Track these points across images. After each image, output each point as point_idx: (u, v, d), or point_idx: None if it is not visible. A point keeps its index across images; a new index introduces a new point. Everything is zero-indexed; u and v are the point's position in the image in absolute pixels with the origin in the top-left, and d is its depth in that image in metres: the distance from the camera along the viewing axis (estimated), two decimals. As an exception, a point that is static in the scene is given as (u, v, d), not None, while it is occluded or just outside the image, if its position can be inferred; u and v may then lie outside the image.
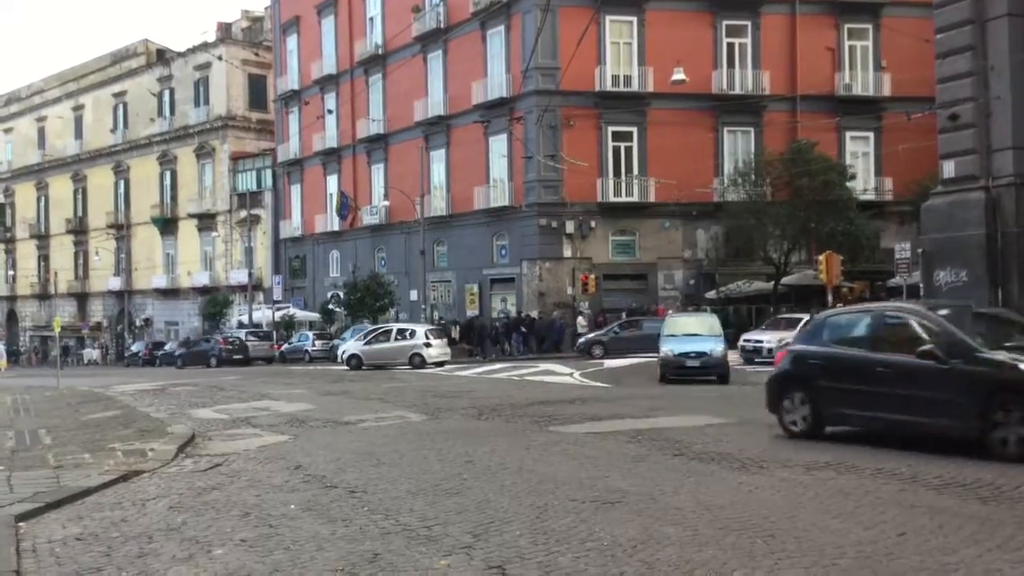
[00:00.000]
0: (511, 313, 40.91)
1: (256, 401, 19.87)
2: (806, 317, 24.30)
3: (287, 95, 56.27)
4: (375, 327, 38.26)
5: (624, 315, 37.71)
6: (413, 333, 34.23)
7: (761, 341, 27.79)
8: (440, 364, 33.05)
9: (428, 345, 33.22)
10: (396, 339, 34.13)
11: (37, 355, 69.81)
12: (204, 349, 46.06)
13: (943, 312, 11.40)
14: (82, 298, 71.52)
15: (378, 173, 49.94)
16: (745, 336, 29.49)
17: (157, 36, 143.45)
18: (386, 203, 47.69)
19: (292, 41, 56.44)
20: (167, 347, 52.82)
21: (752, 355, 27.77)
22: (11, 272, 77.56)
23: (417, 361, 32.84)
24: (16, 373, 23.73)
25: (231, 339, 45.84)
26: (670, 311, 33.05)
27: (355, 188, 51.02)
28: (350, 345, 35.77)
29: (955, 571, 5.71)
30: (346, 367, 33.94)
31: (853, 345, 11.84)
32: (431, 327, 36.59)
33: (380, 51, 48.59)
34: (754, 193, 37.72)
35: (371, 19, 49.82)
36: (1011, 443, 9.58)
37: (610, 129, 40.42)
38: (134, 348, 59.15)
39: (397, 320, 45.80)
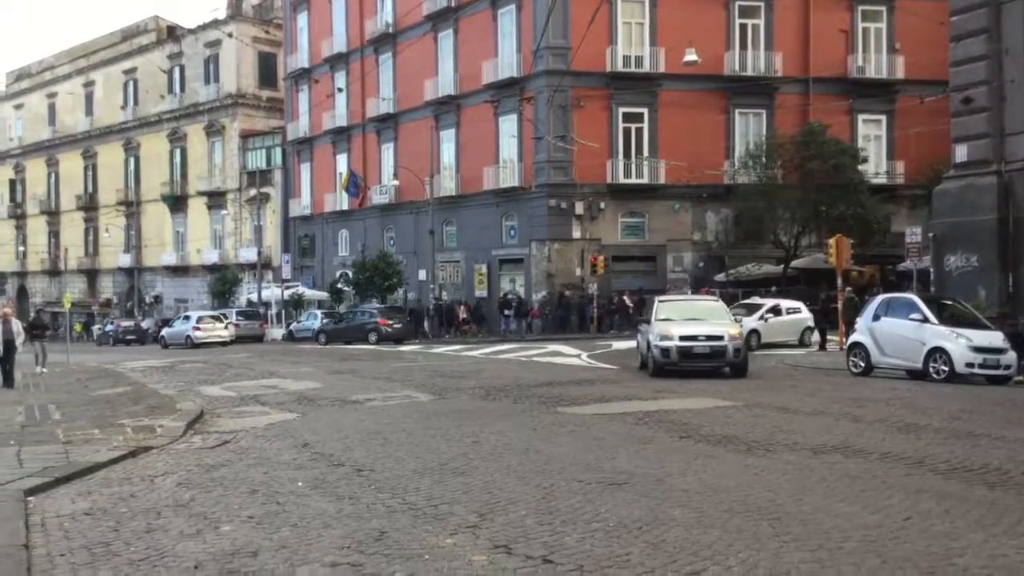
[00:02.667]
0: (520, 294, 40.95)
1: (264, 379, 19.97)
2: None
3: (297, 73, 56.16)
4: (183, 315, 47.43)
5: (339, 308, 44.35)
6: (189, 318, 43.37)
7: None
8: (224, 343, 40.16)
9: (197, 329, 41.12)
10: (181, 323, 43.63)
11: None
12: (108, 331, 54.36)
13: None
14: (92, 274, 71.77)
15: (388, 152, 49.86)
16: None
17: (167, 13, 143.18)
18: (395, 182, 47.62)
19: (303, 19, 56.26)
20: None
21: None
22: (22, 248, 77.81)
23: (188, 343, 40.70)
24: (26, 348, 24.11)
25: (131, 321, 56.13)
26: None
27: (364, 167, 50.99)
28: (165, 329, 45.51)
29: (961, 556, 5.70)
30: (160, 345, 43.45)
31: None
32: (207, 314, 44.76)
33: (391, 30, 48.40)
34: (765, 176, 37.56)
35: (382, -3, 49.61)
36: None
37: (621, 110, 40.24)
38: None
39: (406, 300, 45.97)
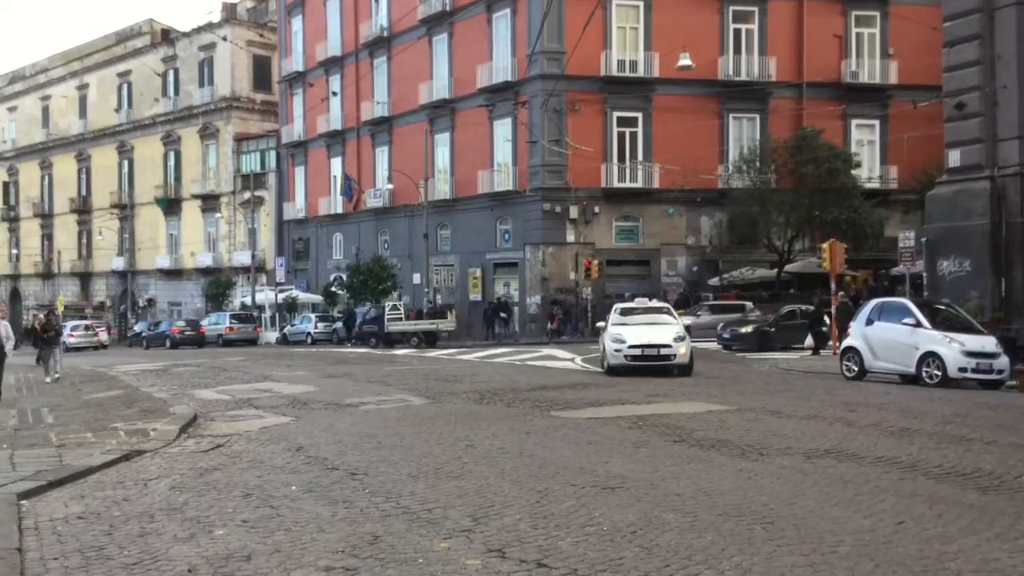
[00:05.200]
0: (513, 298, 40.96)
1: (258, 383, 19.93)
2: None
3: (292, 76, 56.14)
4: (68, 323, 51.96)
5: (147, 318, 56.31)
6: (65, 327, 47.18)
7: None
8: (100, 347, 48.67)
9: (71, 336, 47.19)
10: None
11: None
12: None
13: None
14: (85, 278, 71.61)
15: (382, 156, 49.88)
16: None
17: (162, 16, 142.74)
18: (390, 186, 47.62)
19: (297, 22, 56.26)
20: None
21: None
22: (15, 251, 77.61)
23: (64, 348, 47.52)
24: (18, 352, 24.12)
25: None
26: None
27: (359, 171, 50.97)
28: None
29: (953, 560, 5.71)
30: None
31: None
32: (81, 323, 53.41)
33: (386, 33, 48.43)
34: (759, 180, 37.66)
35: (376, 1, 49.64)
36: None
37: (615, 114, 40.32)
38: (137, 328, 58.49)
39: (399, 302, 45.95)
